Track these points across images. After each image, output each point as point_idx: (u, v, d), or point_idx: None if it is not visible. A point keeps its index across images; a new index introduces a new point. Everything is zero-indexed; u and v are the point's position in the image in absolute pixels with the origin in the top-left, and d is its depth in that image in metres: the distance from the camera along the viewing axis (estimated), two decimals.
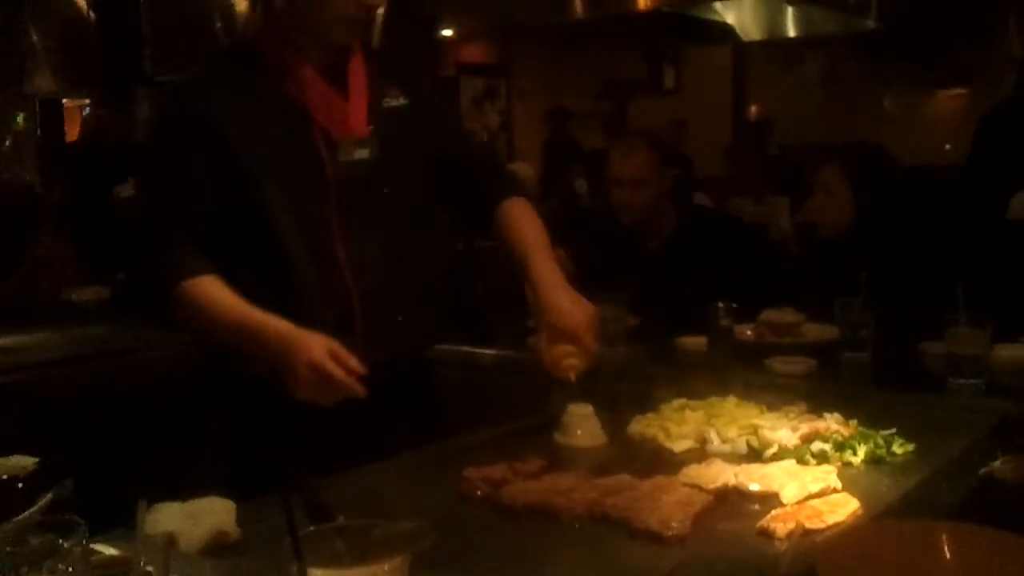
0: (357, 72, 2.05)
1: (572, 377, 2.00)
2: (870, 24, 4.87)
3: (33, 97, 7.54)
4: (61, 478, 1.41)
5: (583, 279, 3.04)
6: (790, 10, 4.99)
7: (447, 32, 9.04)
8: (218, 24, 5.17)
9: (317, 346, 1.78)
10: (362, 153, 2.00)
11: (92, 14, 5.72)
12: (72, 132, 9.54)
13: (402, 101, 2.10)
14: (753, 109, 9.27)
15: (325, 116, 1.98)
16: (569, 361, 2.00)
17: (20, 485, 1.36)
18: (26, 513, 1.29)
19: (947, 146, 8.21)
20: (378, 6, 2.00)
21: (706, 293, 2.81)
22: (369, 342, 1.93)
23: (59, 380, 3.00)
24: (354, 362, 1.78)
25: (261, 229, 1.94)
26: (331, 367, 1.76)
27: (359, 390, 1.77)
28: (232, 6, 5.10)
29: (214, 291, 1.90)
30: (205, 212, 1.94)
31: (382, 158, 2.03)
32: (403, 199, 2.06)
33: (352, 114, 2.01)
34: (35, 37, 6.07)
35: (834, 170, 3.06)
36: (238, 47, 2.08)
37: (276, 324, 1.84)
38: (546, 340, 2.01)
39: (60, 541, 1.09)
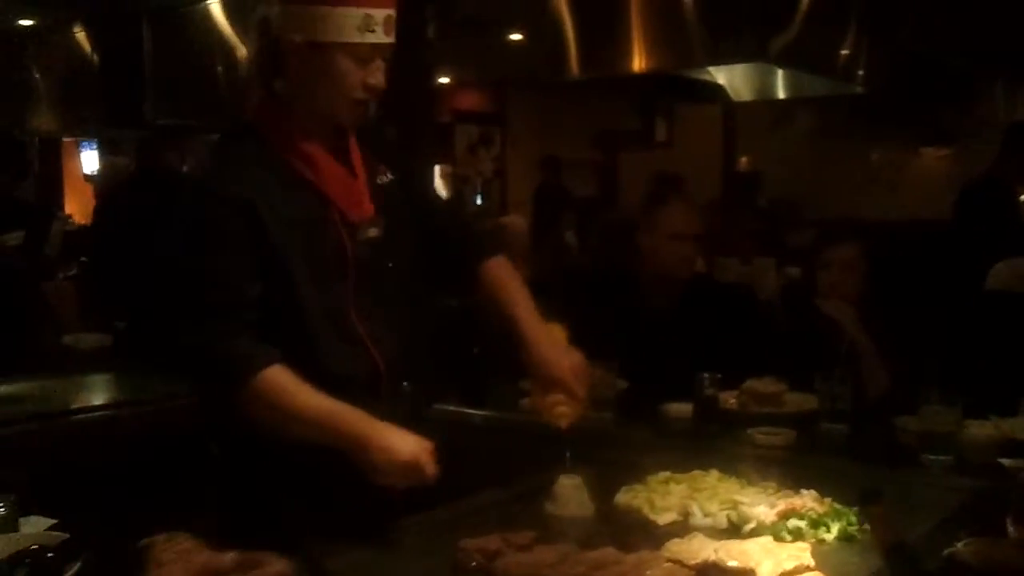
0: (355, 152, 2.11)
1: (564, 425, 2.10)
2: (858, 89, 5.02)
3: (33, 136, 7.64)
4: (85, 546, 1.49)
5: (579, 341, 3.15)
6: (780, 73, 5.13)
7: (444, 80, 9.17)
8: (219, 68, 5.28)
9: (409, 447, 1.84)
10: (374, 232, 2.07)
11: (95, 56, 5.84)
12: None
13: (389, 177, 2.17)
14: (743, 161, 9.42)
15: (343, 199, 2.03)
16: (560, 409, 2.10)
17: (50, 555, 1.45)
18: None
19: (936, 197, 8.38)
20: (382, 87, 2.02)
21: (708, 357, 2.90)
22: (387, 410, 2.00)
23: (62, 430, 3.06)
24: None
25: (290, 308, 1.97)
26: (429, 469, 1.84)
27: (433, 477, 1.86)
28: (234, 50, 5.21)
29: (289, 383, 1.90)
30: (255, 297, 1.95)
31: (385, 235, 2.10)
32: (403, 272, 2.14)
33: (364, 195, 2.07)
34: (37, 76, 6.18)
35: (853, 248, 3.15)
36: (243, 129, 2.08)
37: (357, 419, 1.89)
38: (537, 390, 2.12)
39: None
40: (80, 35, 5.76)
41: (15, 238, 4.95)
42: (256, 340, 1.92)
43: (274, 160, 2.02)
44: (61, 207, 8.74)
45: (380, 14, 1.95)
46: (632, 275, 3.40)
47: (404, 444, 1.84)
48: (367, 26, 1.93)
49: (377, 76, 1.99)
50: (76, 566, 1.44)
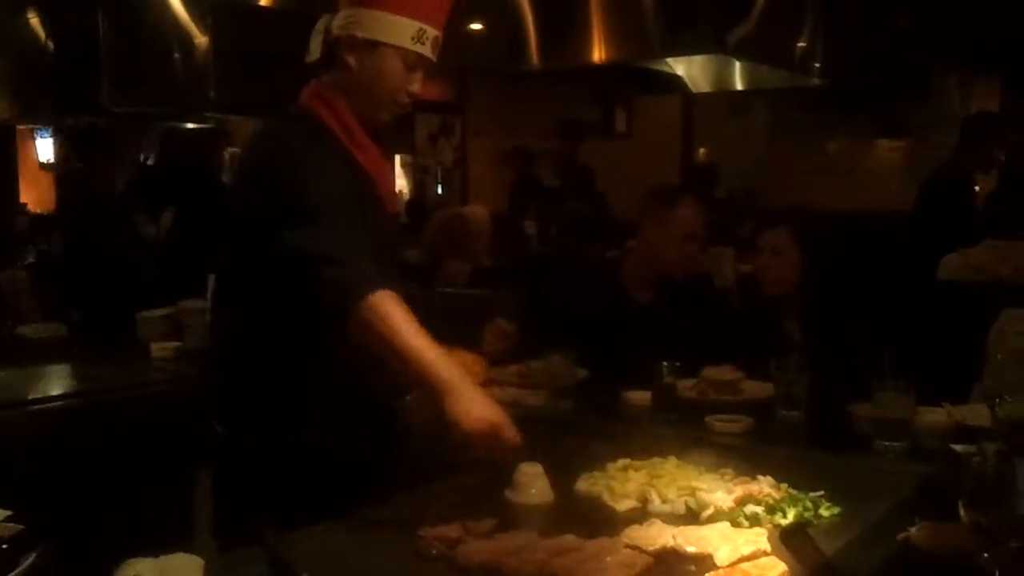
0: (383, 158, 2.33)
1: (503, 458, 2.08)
2: (814, 81, 5.08)
3: None
4: (40, 537, 1.48)
5: (538, 328, 3.18)
6: (738, 65, 5.18)
7: None
8: (176, 56, 5.23)
9: (490, 412, 1.99)
10: (395, 224, 2.32)
11: (50, 43, 5.75)
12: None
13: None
14: (701, 153, 9.49)
15: (385, 189, 2.29)
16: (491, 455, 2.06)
17: (4, 546, 1.44)
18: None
19: (891, 187, 8.50)
20: (417, 98, 2.24)
21: (667, 345, 2.93)
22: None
23: (18, 420, 3.03)
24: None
25: None
26: (511, 437, 2.00)
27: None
28: (191, 38, 5.16)
29: (399, 312, 2.00)
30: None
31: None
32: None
33: (393, 190, 2.36)
34: None
35: (783, 233, 3.21)
36: (297, 110, 2.26)
37: (453, 369, 2.02)
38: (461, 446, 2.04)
39: None
40: (34, 21, 5.67)
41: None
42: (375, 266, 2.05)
43: (333, 141, 2.21)
44: (17, 196, 8.61)
45: (431, 32, 2.20)
46: (600, 264, 3.45)
47: (486, 408, 1.98)
48: (419, 38, 2.18)
49: (417, 85, 2.23)
50: (31, 557, 1.43)
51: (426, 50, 2.19)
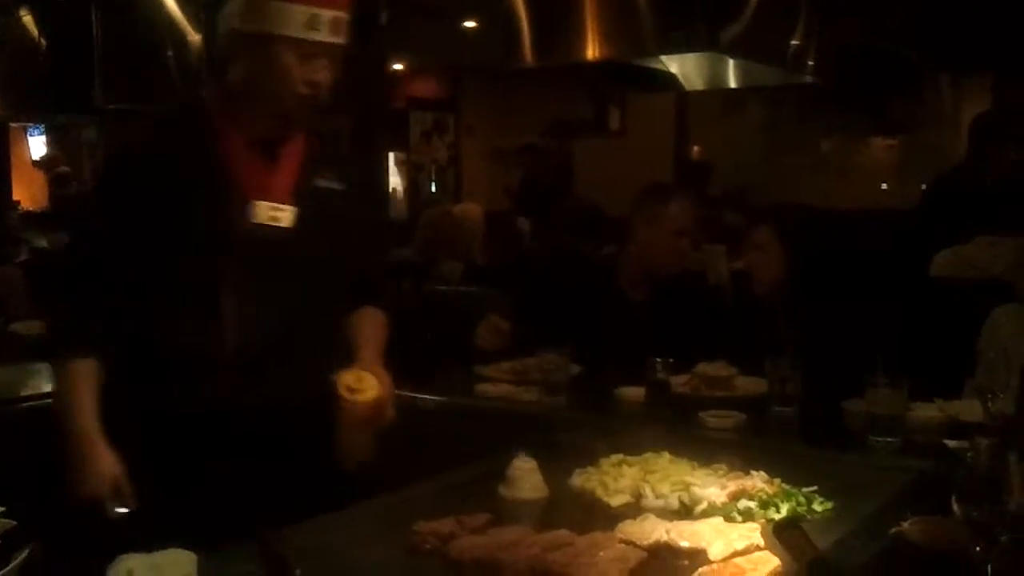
0: (294, 150, 2.19)
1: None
2: (808, 79, 5.08)
3: None
4: (32, 534, 1.48)
5: (535, 327, 3.18)
6: (731, 63, 5.17)
7: (398, 66, 9.16)
8: (169, 53, 5.21)
9: (94, 475, 2.00)
10: (277, 220, 2.12)
11: (43, 40, 5.73)
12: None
13: (337, 186, 2.26)
14: (695, 151, 9.49)
15: (252, 183, 2.12)
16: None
17: None
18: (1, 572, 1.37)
19: (883, 185, 8.51)
20: (326, 85, 2.10)
21: (661, 342, 2.94)
22: (238, 383, 2.10)
23: (10, 417, 3.03)
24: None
25: (153, 276, 2.09)
26: (108, 507, 1.99)
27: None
28: (184, 36, 5.14)
29: (79, 382, 2.05)
30: (122, 280, 2.08)
31: (300, 231, 2.14)
32: (309, 272, 2.18)
33: (280, 185, 2.14)
34: None
35: (767, 230, 3.22)
36: (191, 106, 2.23)
37: (78, 424, 2.03)
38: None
39: None
40: (27, 18, 5.65)
41: None
42: (93, 327, 2.07)
43: (198, 138, 2.13)
44: (10, 193, 8.60)
45: (327, 14, 2.05)
46: (596, 262, 3.47)
47: (93, 470, 2.00)
48: (313, 24, 2.03)
49: (321, 74, 2.08)
50: (24, 554, 1.43)
51: (323, 35, 2.05)
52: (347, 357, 2.23)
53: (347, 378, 2.07)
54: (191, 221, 2.08)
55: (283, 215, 2.12)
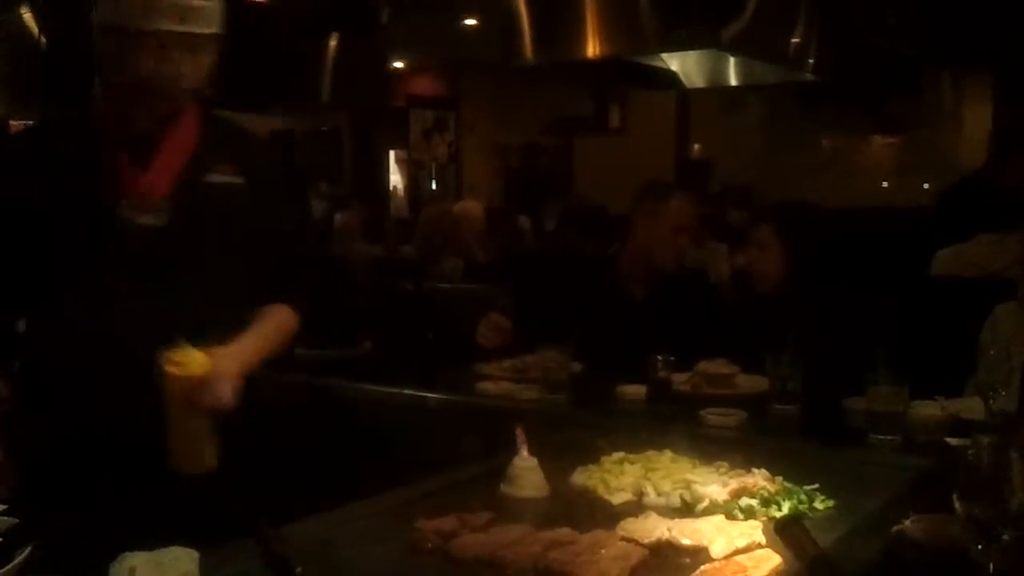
0: (179, 145, 2.12)
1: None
2: (808, 76, 5.08)
3: None
4: (35, 531, 1.48)
5: (533, 323, 3.19)
6: (732, 60, 5.17)
7: (398, 64, 9.15)
8: None
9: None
10: (150, 218, 2.07)
11: (42, 38, 5.73)
12: None
13: (236, 180, 2.16)
14: (695, 148, 9.50)
15: (129, 180, 2.07)
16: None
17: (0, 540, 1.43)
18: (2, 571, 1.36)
19: (884, 183, 8.51)
20: (185, 76, 2.03)
21: (663, 340, 2.94)
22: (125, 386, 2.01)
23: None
24: None
25: (33, 270, 2.06)
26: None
27: None
28: None
29: None
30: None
31: (182, 226, 2.08)
32: (201, 271, 2.11)
33: (157, 181, 2.09)
34: None
35: (767, 228, 3.22)
36: (89, 106, 2.19)
37: None
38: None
39: None
40: (26, 16, 5.65)
41: None
42: None
43: (79, 137, 2.10)
44: None
45: (164, 3, 1.97)
46: (598, 260, 3.49)
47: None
48: (147, 13, 1.96)
49: (166, 66, 2.00)
50: (25, 552, 1.43)
51: (158, 23, 1.96)
52: None
53: (174, 353, 1.96)
54: (69, 224, 2.05)
55: (156, 214, 2.07)
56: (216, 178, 2.14)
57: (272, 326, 2.21)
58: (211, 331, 2.05)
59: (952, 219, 4.57)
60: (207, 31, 2.04)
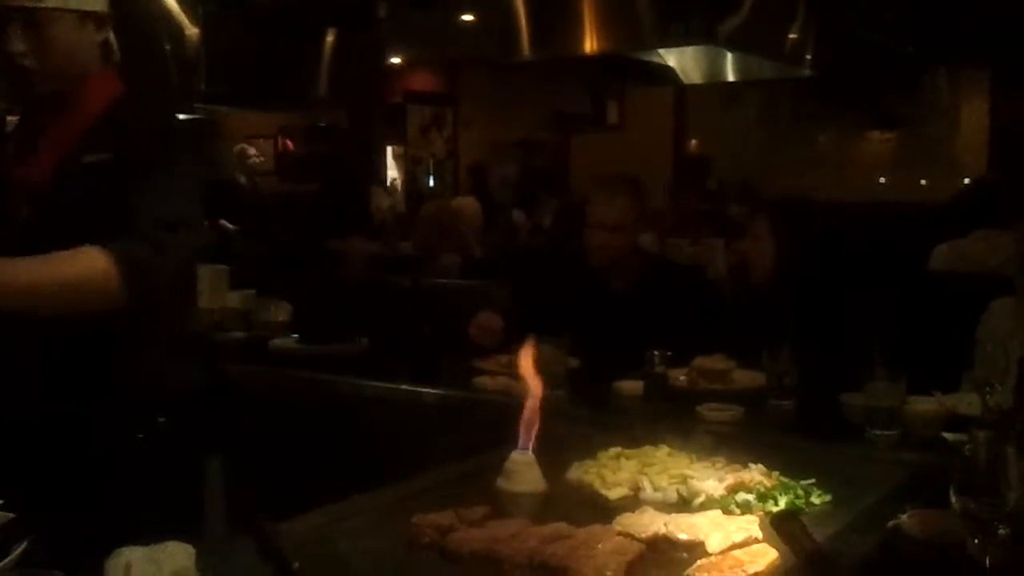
0: (69, 126, 2.11)
1: None
2: (805, 72, 5.08)
3: None
4: (31, 526, 1.48)
5: (528, 319, 3.18)
6: (729, 56, 5.17)
7: (395, 60, 9.15)
8: (167, 47, 5.20)
9: None
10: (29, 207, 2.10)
11: None
12: None
13: (107, 159, 2.08)
14: (693, 144, 9.50)
15: (19, 157, 2.11)
16: None
17: None
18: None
19: (880, 179, 8.52)
20: (22, 54, 2.03)
21: (659, 335, 2.94)
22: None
23: None
24: None
25: None
26: None
27: None
28: (182, 29, 5.13)
29: None
30: None
31: (66, 211, 2.05)
32: (71, 236, 2.00)
33: (39, 160, 2.10)
34: None
35: (763, 219, 3.22)
36: None
37: None
38: None
39: None
40: None
41: None
42: None
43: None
44: None
45: None
46: (578, 255, 3.51)
47: None
48: None
49: (11, 43, 2.01)
50: (22, 546, 1.43)
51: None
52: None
53: None
54: None
55: (39, 190, 2.08)
56: (89, 158, 2.08)
57: (64, 256, 1.98)
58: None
59: (965, 219, 4.57)
60: (43, 5, 2.02)
